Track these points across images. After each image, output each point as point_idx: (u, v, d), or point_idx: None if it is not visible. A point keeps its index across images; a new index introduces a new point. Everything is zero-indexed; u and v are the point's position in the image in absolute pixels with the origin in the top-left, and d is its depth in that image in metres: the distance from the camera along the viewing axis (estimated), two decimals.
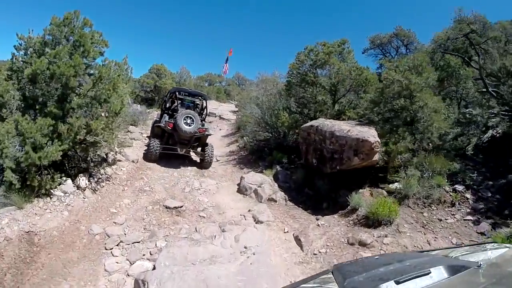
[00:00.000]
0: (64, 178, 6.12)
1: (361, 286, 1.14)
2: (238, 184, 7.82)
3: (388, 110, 8.32)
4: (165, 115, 8.59)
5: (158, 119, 9.60)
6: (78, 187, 6.09)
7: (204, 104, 9.30)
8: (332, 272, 1.36)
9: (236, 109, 20.57)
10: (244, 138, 11.57)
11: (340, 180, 7.33)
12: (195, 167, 8.84)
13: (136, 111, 12.83)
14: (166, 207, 6.08)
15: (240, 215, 6.17)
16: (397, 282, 1.08)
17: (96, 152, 6.12)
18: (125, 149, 8.99)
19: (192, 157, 9.28)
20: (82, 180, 6.17)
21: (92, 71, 5.27)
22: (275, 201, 7.01)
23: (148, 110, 17.46)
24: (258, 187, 7.35)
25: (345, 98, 10.23)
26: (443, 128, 7.53)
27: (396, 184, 7.04)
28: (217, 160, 10.21)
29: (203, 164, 8.60)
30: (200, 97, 9.37)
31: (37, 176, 5.31)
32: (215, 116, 18.95)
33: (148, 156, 8.20)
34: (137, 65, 78.89)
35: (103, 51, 5.43)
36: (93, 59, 5.23)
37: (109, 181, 6.68)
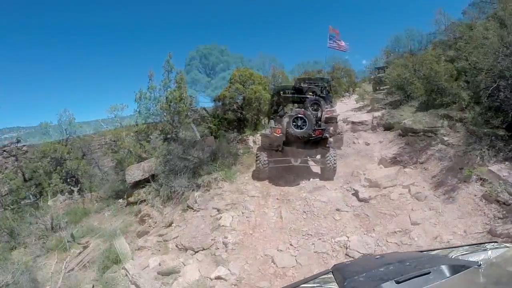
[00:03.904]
0: None
1: (362, 285, 1.09)
2: None
3: None
4: (271, 121, 7.36)
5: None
6: None
7: (323, 94, 7.61)
8: (332, 272, 1.30)
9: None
10: None
11: None
12: None
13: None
14: None
15: None
16: (397, 282, 1.02)
17: None
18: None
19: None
20: None
21: None
22: None
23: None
24: None
25: None
26: None
27: None
28: None
29: (325, 173, 6.61)
30: (313, 92, 7.67)
31: None
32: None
33: (255, 174, 6.90)
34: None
35: None
36: None
37: None
